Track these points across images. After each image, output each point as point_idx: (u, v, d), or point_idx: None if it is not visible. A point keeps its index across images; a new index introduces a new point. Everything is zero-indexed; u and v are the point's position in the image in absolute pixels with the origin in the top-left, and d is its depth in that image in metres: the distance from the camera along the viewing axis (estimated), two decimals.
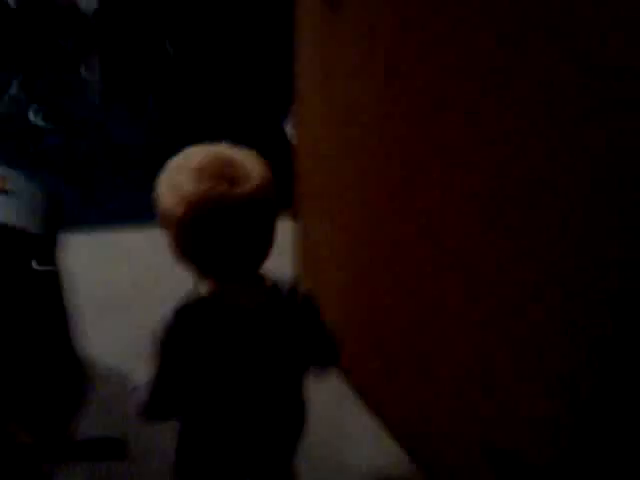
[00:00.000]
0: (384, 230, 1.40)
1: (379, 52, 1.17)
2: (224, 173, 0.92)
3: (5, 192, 1.47)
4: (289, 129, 2.31)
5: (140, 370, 1.00)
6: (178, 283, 1.05)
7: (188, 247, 0.97)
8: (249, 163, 0.95)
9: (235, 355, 1.02)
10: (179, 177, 0.93)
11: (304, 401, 1.15)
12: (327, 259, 1.71)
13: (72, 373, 1.84)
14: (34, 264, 1.42)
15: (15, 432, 1.56)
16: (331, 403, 1.71)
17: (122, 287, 2.09)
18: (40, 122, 2.80)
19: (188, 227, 0.93)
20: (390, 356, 1.51)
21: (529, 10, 0.89)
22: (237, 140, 0.95)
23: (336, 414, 1.71)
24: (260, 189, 0.93)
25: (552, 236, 0.96)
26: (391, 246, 1.39)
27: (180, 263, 1.00)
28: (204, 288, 1.02)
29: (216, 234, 0.94)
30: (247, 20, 2.97)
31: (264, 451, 1.15)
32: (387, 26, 1.13)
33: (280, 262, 1.99)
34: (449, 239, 1.18)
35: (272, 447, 1.16)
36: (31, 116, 2.84)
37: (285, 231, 1.81)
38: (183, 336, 0.99)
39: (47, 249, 1.47)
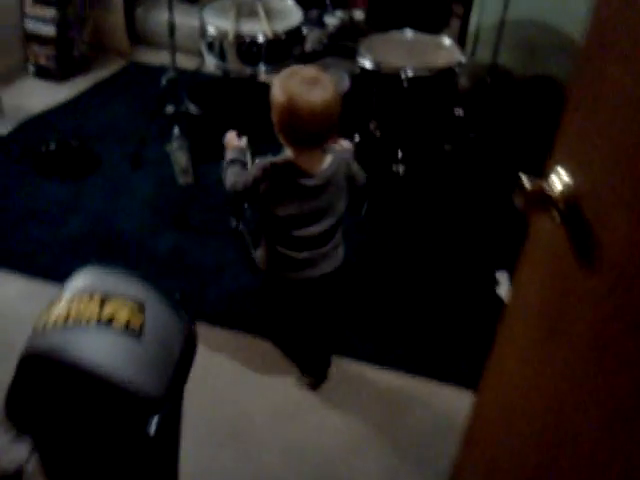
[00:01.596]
0: None
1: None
2: (312, 81, 1.62)
3: (138, 332, 1.34)
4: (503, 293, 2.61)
5: None
6: None
7: (283, 124, 1.67)
8: (328, 80, 1.65)
9: (296, 198, 1.75)
10: (288, 81, 1.63)
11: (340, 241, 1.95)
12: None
13: None
14: (150, 429, 1.28)
15: None
16: None
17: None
18: None
19: (285, 109, 1.62)
20: None
21: None
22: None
23: None
24: (329, 94, 1.62)
25: None
26: None
27: (278, 136, 1.72)
28: (288, 154, 1.74)
29: (299, 115, 1.62)
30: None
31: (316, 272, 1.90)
32: None
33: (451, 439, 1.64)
34: None
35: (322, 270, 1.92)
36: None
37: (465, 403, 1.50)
38: (268, 177, 1.73)
39: (170, 408, 1.33)
